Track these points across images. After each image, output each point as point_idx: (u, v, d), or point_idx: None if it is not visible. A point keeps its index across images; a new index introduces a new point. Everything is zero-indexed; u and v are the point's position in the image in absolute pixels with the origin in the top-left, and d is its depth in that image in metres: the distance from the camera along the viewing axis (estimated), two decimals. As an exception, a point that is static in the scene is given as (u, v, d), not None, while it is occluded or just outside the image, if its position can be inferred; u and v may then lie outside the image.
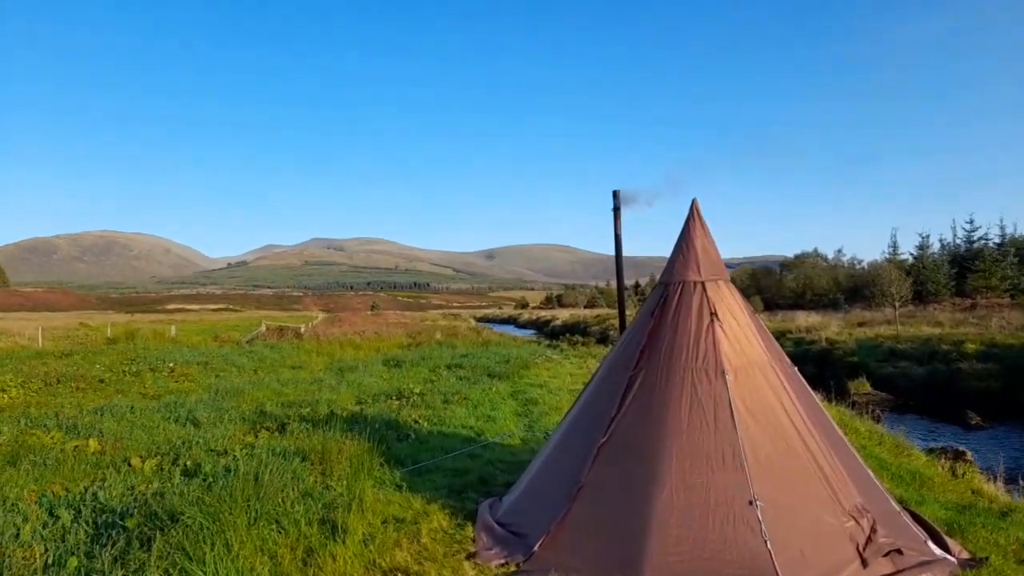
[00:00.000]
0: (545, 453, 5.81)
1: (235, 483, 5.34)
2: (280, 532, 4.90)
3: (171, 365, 18.46)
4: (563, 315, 78.80)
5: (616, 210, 6.37)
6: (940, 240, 55.10)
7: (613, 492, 4.74)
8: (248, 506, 4.99)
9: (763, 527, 4.25)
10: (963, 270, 47.97)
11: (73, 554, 4.56)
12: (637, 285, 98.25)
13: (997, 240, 50.81)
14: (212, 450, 8.02)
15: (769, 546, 4.19)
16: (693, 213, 5.43)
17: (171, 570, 4.17)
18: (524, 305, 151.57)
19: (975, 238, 52.57)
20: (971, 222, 53.24)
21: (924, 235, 52.84)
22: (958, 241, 53.77)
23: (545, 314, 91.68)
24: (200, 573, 4.15)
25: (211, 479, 6.36)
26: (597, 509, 4.75)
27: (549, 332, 58.11)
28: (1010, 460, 11.31)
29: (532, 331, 66.69)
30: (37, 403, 12.64)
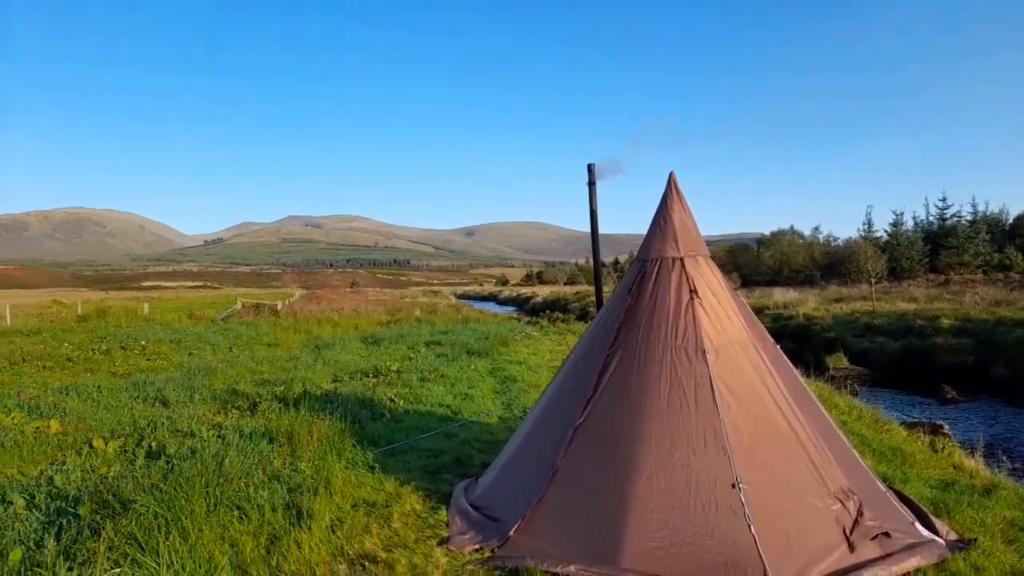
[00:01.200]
0: (521, 434, 5.63)
1: (195, 467, 5.10)
2: (242, 519, 4.67)
3: (143, 343, 18.06)
4: (543, 292, 78.71)
5: (591, 184, 6.13)
6: (914, 217, 55.61)
7: (590, 475, 4.56)
8: (208, 492, 4.76)
9: (746, 510, 4.10)
10: (936, 247, 48.51)
11: (21, 544, 4.31)
12: (616, 262, 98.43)
13: (969, 217, 51.47)
14: (178, 431, 7.75)
15: (753, 530, 4.04)
16: (671, 186, 5.20)
17: (122, 561, 3.93)
18: (504, 282, 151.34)
19: (948, 215, 53.20)
20: (943, 199, 53.86)
21: (898, 212, 53.33)
22: (931, 218, 54.38)
23: (525, 291, 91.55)
24: (153, 564, 3.91)
25: (174, 461, 6.12)
26: (574, 493, 4.57)
27: (529, 309, 58.02)
28: (987, 434, 11.38)
29: (512, 308, 66.57)
30: (0, 383, 12.23)
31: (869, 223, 56.35)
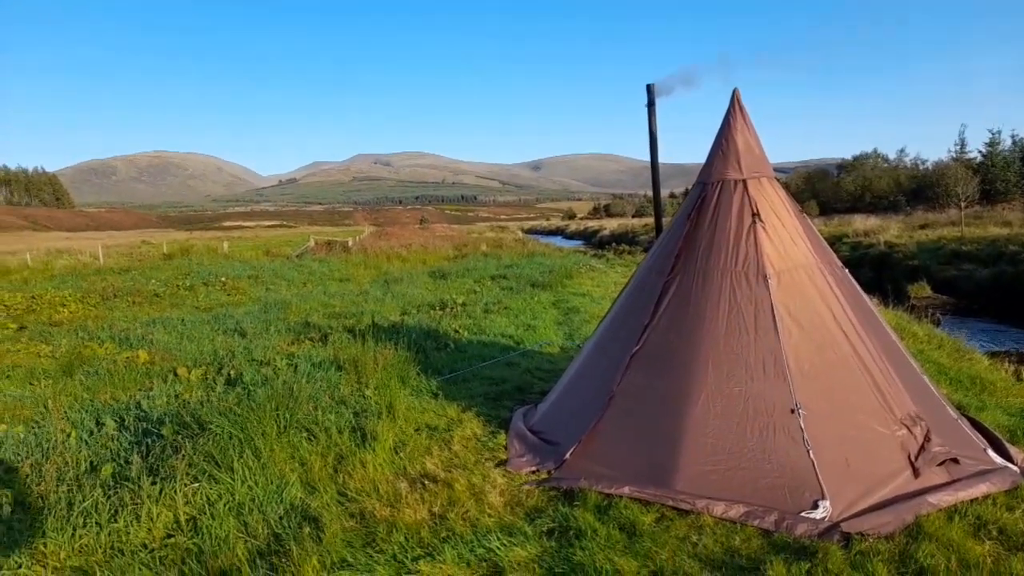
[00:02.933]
0: (579, 361, 5.65)
1: (267, 392, 5.36)
2: (311, 440, 4.92)
3: (223, 279, 18.88)
4: (611, 225, 77.62)
5: (650, 105, 5.86)
6: (1012, 136, 51.13)
7: (646, 401, 4.55)
8: (278, 415, 5.00)
9: (805, 435, 4.02)
10: (1037, 166, 45.01)
11: (112, 460, 4.67)
12: (687, 192, 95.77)
13: (1077, 134, 47.28)
14: (255, 360, 8.13)
15: (812, 455, 3.97)
16: (734, 104, 4.92)
17: (200, 477, 4.21)
18: (571, 216, 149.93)
19: (1051, 132, 48.92)
20: (1047, 115, 49.38)
21: (995, 131, 49.20)
22: (1033, 136, 50.12)
23: (593, 224, 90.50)
24: (228, 480, 4.18)
25: (250, 388, 6.44)
26: (629, 418, 4.58)
27: (597, 242, 57.49)
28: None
29: (580, 241, 66.11)
30: (94, 317, 13.08)
31: (962, 143, 52.55)
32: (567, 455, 4.69)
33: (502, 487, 4.53)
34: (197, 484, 4.15)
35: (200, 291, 17.03)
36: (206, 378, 7.46)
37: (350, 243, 34.27)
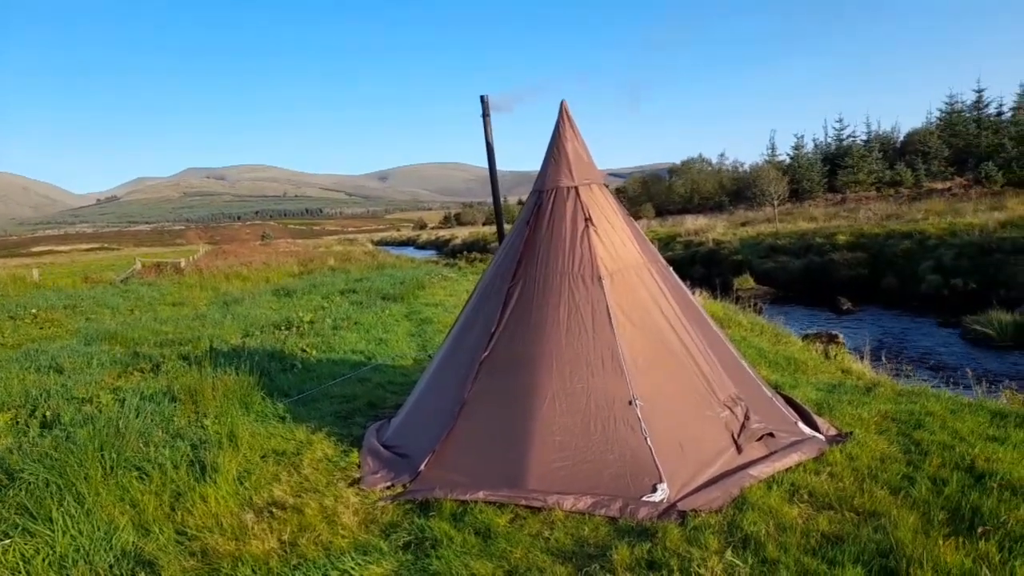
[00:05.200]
0: (430, 372, 5.66)
1: (88, 431, 4.89)
2: (143, 479, 4.54)
3: (34, 311, 16.95)
4: (462, 234, 78.24)
5: (485, 116, 6.05)
6: (813, 140, 57.59)
7: (496, 405, 4.65)
8: (103, 455, 4.58)
9: (643, 425, 4.29)
10: (834, 167, 50.72)
11: (-101, 527, 4.06)
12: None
13: (864, 137, 54.02)
14: (74, 398, 7.39)
15: (649, 443, 4.24)
16: (563, 116, 5.19)
17: (11, 532, 3.76)
18: (422, 226, 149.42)
19: (844, 136, 55.54)
20: (840, 121, 56.04)
21: (799, 136, 55.09)
22: (829, 140, 56.68)
23: (444, 234, 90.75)
24: (47, 532, 3.77)
25: (70, 429, 5.85)
26: (481, 424, 4.66)
27: (449, 251, 57.79)
28: (875, 340, 12.24)
29: (432, 251, 66.11)
30: None
31: (772, 147, 58.25)
32: (421, 467, 4.68)
33: (356, 506, 4.43)
34: (8, 540, 3.71)
35: (6, 326, 15.17)
36: (16, 422, 6.69)
37: (183, 264, 32.06)
